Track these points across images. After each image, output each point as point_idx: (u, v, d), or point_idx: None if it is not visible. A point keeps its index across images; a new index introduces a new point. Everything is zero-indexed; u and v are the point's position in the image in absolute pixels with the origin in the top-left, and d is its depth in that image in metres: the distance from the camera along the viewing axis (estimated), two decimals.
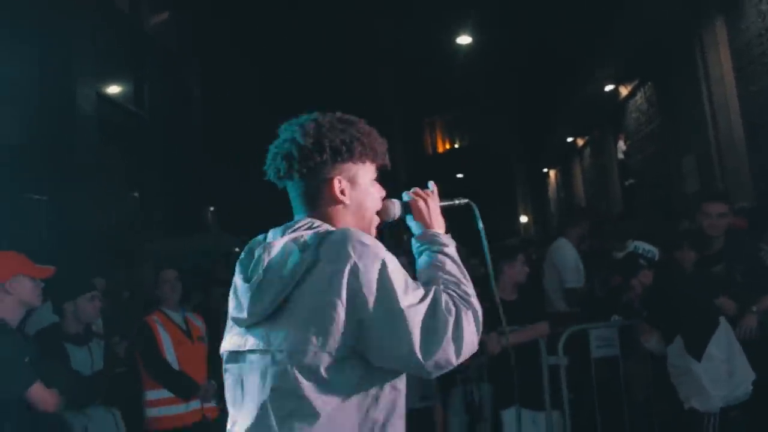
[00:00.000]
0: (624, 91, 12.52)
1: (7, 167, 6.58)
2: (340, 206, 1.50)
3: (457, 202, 1.72)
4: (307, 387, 1.29)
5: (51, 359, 3.21)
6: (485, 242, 1.66)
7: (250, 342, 1.39)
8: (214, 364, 3.97)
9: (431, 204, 1.62)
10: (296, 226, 1.45)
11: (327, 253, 1.32)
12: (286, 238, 1.40)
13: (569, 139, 17.92)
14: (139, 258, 7.65)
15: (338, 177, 1.49)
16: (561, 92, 13.66)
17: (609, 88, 12.77)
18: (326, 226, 1.45)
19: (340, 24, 13.59)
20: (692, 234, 3.33)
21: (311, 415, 1.29)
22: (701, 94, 8.64)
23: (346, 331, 1.30)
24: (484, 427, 3.99)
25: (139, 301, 4.70)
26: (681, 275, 3.25)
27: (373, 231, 1.56)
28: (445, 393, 4.11)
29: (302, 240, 1.37)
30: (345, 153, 1.48)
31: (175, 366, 3.86)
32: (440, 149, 25.50)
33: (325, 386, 1.30)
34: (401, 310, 1.29)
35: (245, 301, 1.38)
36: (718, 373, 2.88)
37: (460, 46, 13.57)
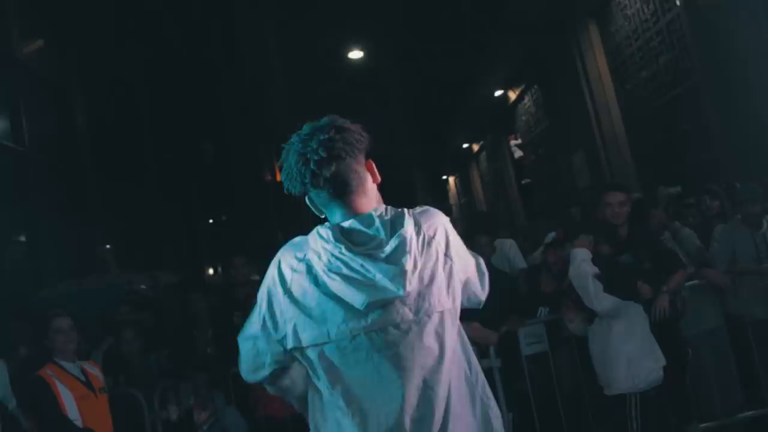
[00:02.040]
0: (513, 95, 13.07)
1: None
2: (374, 186, 1.65)
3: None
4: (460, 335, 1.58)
5: None
6: None
7: (402, 315, 1.49)
8: (118, 416, 3.70)
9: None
10: (380, 213, 1.56)
11: (432, 226, 1.56)
12: (407, 227, 1.52)
13: (465, 145, 18.49)
14: (33, 308, 7.09)
15: (372, 162, 1.65)
16: (454, 100, 14.08)
17: (498, 93, 13.30)
18: (404, 209, 1.61)
19: (230, 37, 13.36)
20: (604, 226, 3.47)
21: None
22: (583, 94, 9.18)
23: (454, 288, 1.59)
24: None
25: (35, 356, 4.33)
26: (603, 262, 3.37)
27: None
28: None
29: (415, 222, 1.54)
30: (366, 148, 1.63)
31: (80, 423, 3.55)
32: None
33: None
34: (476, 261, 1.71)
35: (395, 279, 1.45)
36: (635, 355, 3.03)
37: (352, 60, 13.70)
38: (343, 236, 1.49)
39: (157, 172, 12.61)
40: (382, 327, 1.45)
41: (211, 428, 3.57)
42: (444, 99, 14.30)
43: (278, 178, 22.44)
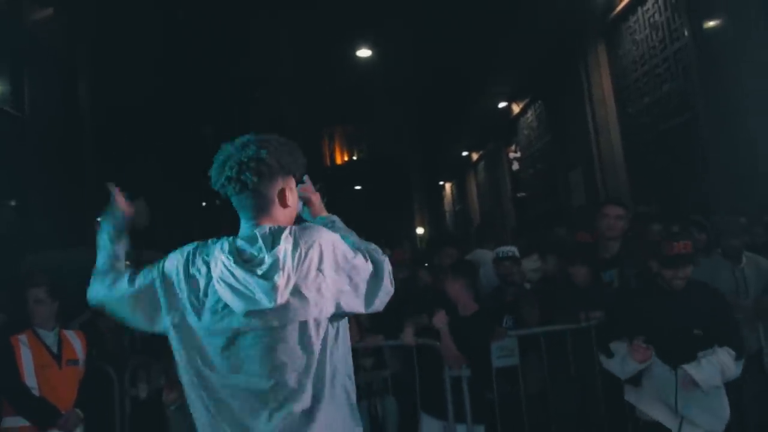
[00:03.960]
0: (516, 108, 13.10)
1: None
2: (283, 211, 1.87)
3: (318, 186, 2.27)
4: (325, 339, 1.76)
5: None
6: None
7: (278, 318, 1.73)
8: (87, 388, 3.70)
9: (313, 196, 2.19)
10: (267, 231, 1.79)
11: (307, 242, 1.75)
12: (282, 244, 1.73)
13: (464, 153, 18.51)
14: (17, 274, 7.06)
15: (286, 188, 1.86)
16: (458, 107, 14.10)
17: (502, 105, 13.32)
18: (289, 226, 1.82)
19: (239, 28, 13.34)
20: (585, 247, 3.49)
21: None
22: (585, 114, 9.21)
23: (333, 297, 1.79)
24: None
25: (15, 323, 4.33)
26: (571, 291, 3.39)
27: None
28: None
29: (293, 239, 1.75)
30: (292, 169, 1.87)
31: (36, 392, 3.54)
32: (339, 161, 25.55)
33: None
34: (363, 268, 1.82)
35: (268, 294, 1.69)
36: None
37: (360, 58, 13.69)
38: (236, 250, 1.75)
39: (156, 150, 12.60)
40: (254, 329, 1.71)
41: (178, 410, 3.58)
42: (448, 106, 14.30)
43: None
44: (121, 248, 2.11)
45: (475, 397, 3.57)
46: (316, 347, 1.72)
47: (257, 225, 1.82)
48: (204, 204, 16.58)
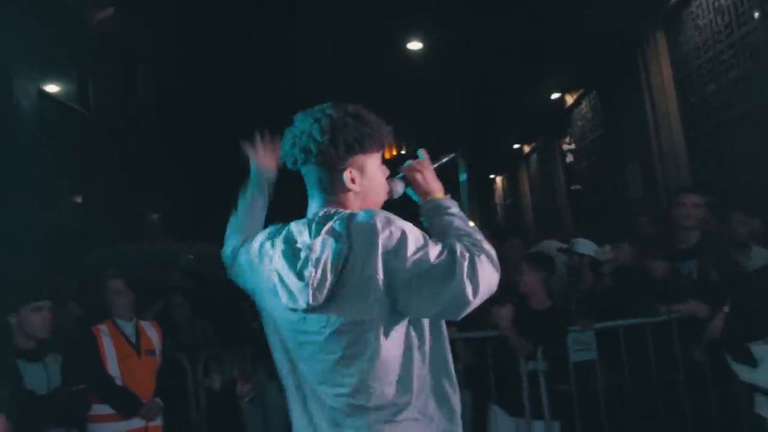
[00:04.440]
0: (570, 99, 12.86)
1: None
2: (351, 193, 1.66)
3: (445, 159, 1.93)
4: (372, 347, 1.50)
5: None
6: (466, 191, 2.02)
7: (309, 325, 1.55)
8: (163, 378, 3.82)
9: (426, 173, 1.84)
10: (318, 217, 1.61)
11: (357, 236, 1.50)
12: (321, 236, 1.54)
13: (516, 146, 18.26)
14: (85, 267, 7.34)
15: (350, 168, 1.64)
16: (509, 99, 13.92)
17: (555, 96, 13.09)
18: (343, 212, 1.60)
19: (289, 28, 13.47)
20: (658, 241, 3.40)
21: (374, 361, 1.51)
22: (644, 104, 8.97)
23: (389, 298, 1.49)
24: None
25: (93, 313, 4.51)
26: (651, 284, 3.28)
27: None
28: None
29: (335, 231, 1.52)
30: (357, 147, 1.63)
31: (118, 381, 3.65)
32: (387, 155, 25.54)
33: (382, 341, 1.51)
34: (429, 266, 1.48)
35: (301, 293, 1.52)
36: None
37: (410, 51, 13.66)
38: (291, 237, 1.62)
39: (212, 147, 12.87)
40: (304, 332, 1.57)
41: (253, 401, 3.66)
42: (499, 98, 14.14)
43: None
44: (257, 208, 1.96)
45: (552, 392, 3.51)
46: (388, 353, 1.50)
47: (321, 207, 1.64)
48: None
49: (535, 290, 3.66)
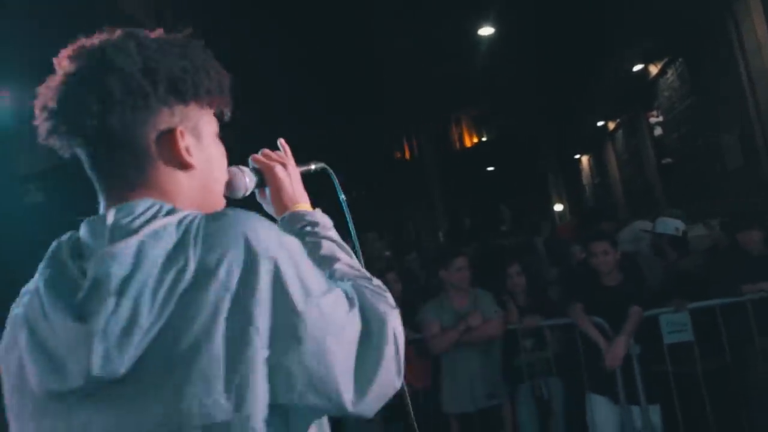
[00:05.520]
0: (654, 69, 12.30)
1: None
2: (183, 174, 0.99)
3: (313, 166, 1.39)
4: None
5: None
6: (348, 214, 1.38)
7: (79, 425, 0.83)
8: None
9: (292, 171, 1.26)
10: (135, 213, 0.89)
11: (216, 253, 0.82)
12: (135, 238, 0.84)
13: (600, 123, 17.68)
14: None
15: (180, 127, 0.97)
16: (589, 76, 13.48)
17: (638, 68, 12.56)
18: (181, 210, 0.92)
19: (360, 21, 13.59)
20: (756, 214, 3.21)
21: None
22: (737, 67, 8.43)
23: (270, 372, 0.83)
24: (555, 421, 3.93)
25: None
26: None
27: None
28: (513, 389, 4.05)
29: (166, 232, 0.85)
30: (188, 88, 0.96)
31: None
32: (468, 143, 25.34)
33: None
34: (337, 325, 0.88)
35: (76, 356, 0.80)
36: None
37: (482, 37, 13.46)
38: (57, 259, 0.94)
39: (293, 147, 13.20)
40: None
41: None
42: (578, 75, 13.70)
43: (407, 156, 22.76)
44: None
45: (648, 375, 3.41)
46: None
47: (119, 202, 0.94)
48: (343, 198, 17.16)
49: (605, 267, 3.64)
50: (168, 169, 0.97)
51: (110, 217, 0.89)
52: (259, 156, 1.27)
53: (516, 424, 3.96)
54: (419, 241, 17.75)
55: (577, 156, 22.79)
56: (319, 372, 0.84)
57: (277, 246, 0.86)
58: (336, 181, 1.37)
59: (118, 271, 0.81)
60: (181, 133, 0.97)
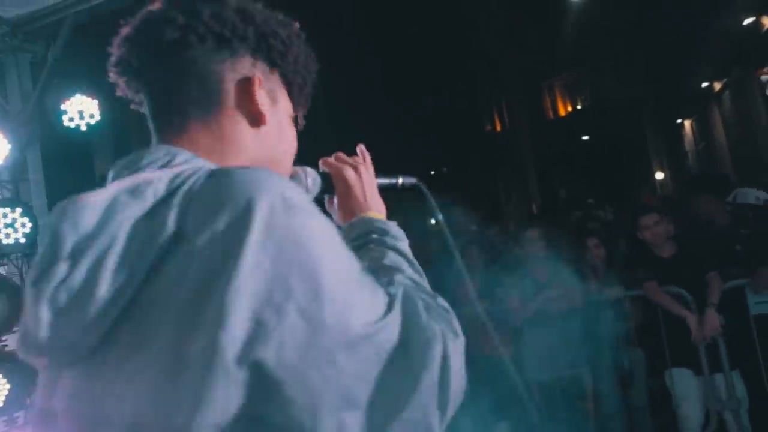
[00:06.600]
0: (767, 22, 11.37)
1: None
2: (249, 129, 0.87)
3: (400, 181, 1.19)
4: None
5: None
6: (449, 236, 1.19)
7: (59, 400, 0.74)
8: None
9: (365, 177, 1.07)
10: (151, 158, 0.79)
11: (207, 216, 0.67)
12: (106, 192, 0.71)
13: (704, 84, 16.62)
14: None
15: (259, 77, 0.87)
16: (692, 32, 12.63)
17: (749, 21, 11.65)
18: (207, 164, 0.78)
19: None
20: None
21: None
22: None
23: (249, 380, 0.64)
24: (636, 392, 3.90)
25: None
26: None
27: None
28: (594, 359, 4.03)
29: (150, 188, 0.70)
30: (277, 51, 0.88)
31: None
32: (562, 113, 24.53)
33: None
34: (358, 335, 0.68)
35: (32, 323, 0.70)
36: None
37: (573, 2, 12.95)
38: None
39: (379, 124, 13.31)
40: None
41: None
42: (679, 33, 12.88)
43: (498, 128, 22.35)
44: None
45: (731, 345, 3.35)
46: None
47: (159, 144, 0.85)
48: (432, 173, 17.18)
49: (657, 239, 3.72)
50: (236, 114, 0.85)
51: (123, 164, 0.79)
52: (329, 159, 1.10)
53: (596, 393, 3.96)
54: (508, 215, 17.52)
55: (679, 120, 21.55)
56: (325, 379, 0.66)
57: (292, 225, 0.67)
58: (431, 200, 1.19)
59: (77, 231, 0.68)
60: (260, 82, 0.86)
